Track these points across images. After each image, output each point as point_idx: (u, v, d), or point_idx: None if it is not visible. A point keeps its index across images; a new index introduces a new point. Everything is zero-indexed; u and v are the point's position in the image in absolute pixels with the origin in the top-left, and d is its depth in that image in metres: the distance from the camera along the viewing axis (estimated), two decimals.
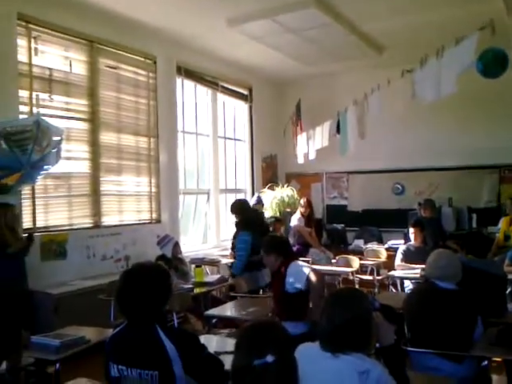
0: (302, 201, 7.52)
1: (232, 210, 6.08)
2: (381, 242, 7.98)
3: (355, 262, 6.58)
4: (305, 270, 3.79)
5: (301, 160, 8.17)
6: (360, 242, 7.95)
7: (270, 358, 1.50)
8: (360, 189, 8.95)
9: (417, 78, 5.13)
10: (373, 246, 7.60)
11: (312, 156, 7.84)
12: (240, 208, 6.05)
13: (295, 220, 7.43)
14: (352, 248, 7.85)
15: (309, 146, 7.83)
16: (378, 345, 2.15)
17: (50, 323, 4.03)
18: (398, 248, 5.96)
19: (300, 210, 7.47)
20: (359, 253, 7.25)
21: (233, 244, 6.19)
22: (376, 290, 6.27)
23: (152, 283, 2.26)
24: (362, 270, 6.89)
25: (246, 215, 5.94)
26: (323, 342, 2.01)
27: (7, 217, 4.58)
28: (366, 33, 6.83)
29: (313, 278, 3.72)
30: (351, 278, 6.30)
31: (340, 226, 8.48)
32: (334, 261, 6.78)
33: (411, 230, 5.77)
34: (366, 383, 1.89)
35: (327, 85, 8.86)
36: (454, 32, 4.57)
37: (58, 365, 3.01)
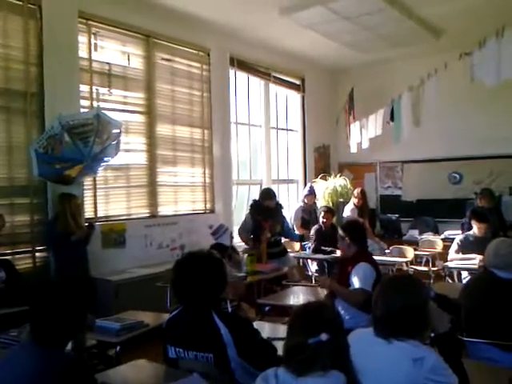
0: (356, 191, 7.46)
1: (272, 196, 6.07)
2: (436, 232, 7.79)
3: (409, 252, 6.47)
4: (364, 281, 3.53)
5: (354, 149, 8.09)
6: (414, 233, 7.79)
7: (324, 337, 1.54)
8: (415, 178, 8.75)
9: (475, 60, 4.94)
10: (428, 236, 7.43)
11: (365, 145, 7.75)
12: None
13: (348, 211, 7.38)
14: (406, 238, 7.69)
15: (362, 134, 7.74)
16: (432, 334, 2.13)
17: (110, 308, 4.20)
18: (454, 239, 5.79)
19: (353, 200, 7.41)
20: (414, 243, 7.12)
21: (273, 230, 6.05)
22: (431, 281, 6.14)
23: (205, 272, 2.31)
24: (417, 260, 6.76)
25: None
26: (377, 328, 2.01)
27: (71, 206, 4.82)
28: (423, 17, 6.60)
29: (358, 293, 3.50)
30: (405, 268, 6.21)
31: (394, 217, 8.33)
32: (387, 251, 6.70)
33: (477, 224, 5.39)
34: (420, 370, 1.87)
35: (381, 72, 8.69)
36: None
37: (118, 347, 3.13)
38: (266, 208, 5.89)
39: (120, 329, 3.17)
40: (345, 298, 3.58)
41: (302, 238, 6.63)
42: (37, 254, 4.93)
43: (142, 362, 2.64)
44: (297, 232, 6.91)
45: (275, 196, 6.12)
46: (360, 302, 3.44)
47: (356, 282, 3.55)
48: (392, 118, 6.94)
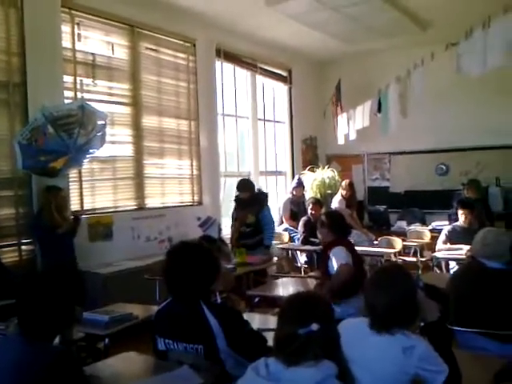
0: (344, 183, 7.49)
1: (246, 187, 5.97)
2: (424, 223, 7.84)
3: (398, 243, 6.51)
4: (343, 258, 3.70)
5: (341, 141, 8.09)
6: (402, 224, 7.84)
7: (314, 327, 1.52)
8: (402, 170, 8.79)
9: (461, 50, 4.95)
10: (416, 227, 7.48)
11: (352, 136, 7.75)
12: (252, 185, 6.08)
13: (336, 202, 7.40)
14: (394, 229, 7.73)
15: (349, 126, 7.74)
16: (421, 323, 2.14)
17: (98, 301, 4.16)
18: (441, 229, 5.83)
19: (341, 192, 7.44)
20: (402, 234, 7.15)
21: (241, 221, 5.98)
22: (419, 271, 6.19)
23: (197, 261, 2.30)
24: (405, 251, 6.80)
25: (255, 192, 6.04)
26: (370, 321, 2.02)
27: (56, 199, 4.75)
28: (410, 8, 6.59)
29: (342, 268, 3.64)
30: (394, 259, 6.23)
31: (382, 208, 8.37)
32: (375, 242, 6.73)
33: (460, 211, 5.58)
34: (410, 359, 1.89)
35: (368, 64, 8.67)
36: (505, 4, 4.37)
37: (107, 340, 3.11)
38: (241, 200, 5.91)
39: (109, 321, 3.15)
40: (335, 284, 3.62)
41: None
42: (23, 247, 4.86)
43: (131, 354, 2.62)
44: (285, 225, 6.86)
45: (248, 187, 5.97)
46: (347, 277, 3.59)
47: (335, 265, 3.70)
48: (379, 110, 6.95)
